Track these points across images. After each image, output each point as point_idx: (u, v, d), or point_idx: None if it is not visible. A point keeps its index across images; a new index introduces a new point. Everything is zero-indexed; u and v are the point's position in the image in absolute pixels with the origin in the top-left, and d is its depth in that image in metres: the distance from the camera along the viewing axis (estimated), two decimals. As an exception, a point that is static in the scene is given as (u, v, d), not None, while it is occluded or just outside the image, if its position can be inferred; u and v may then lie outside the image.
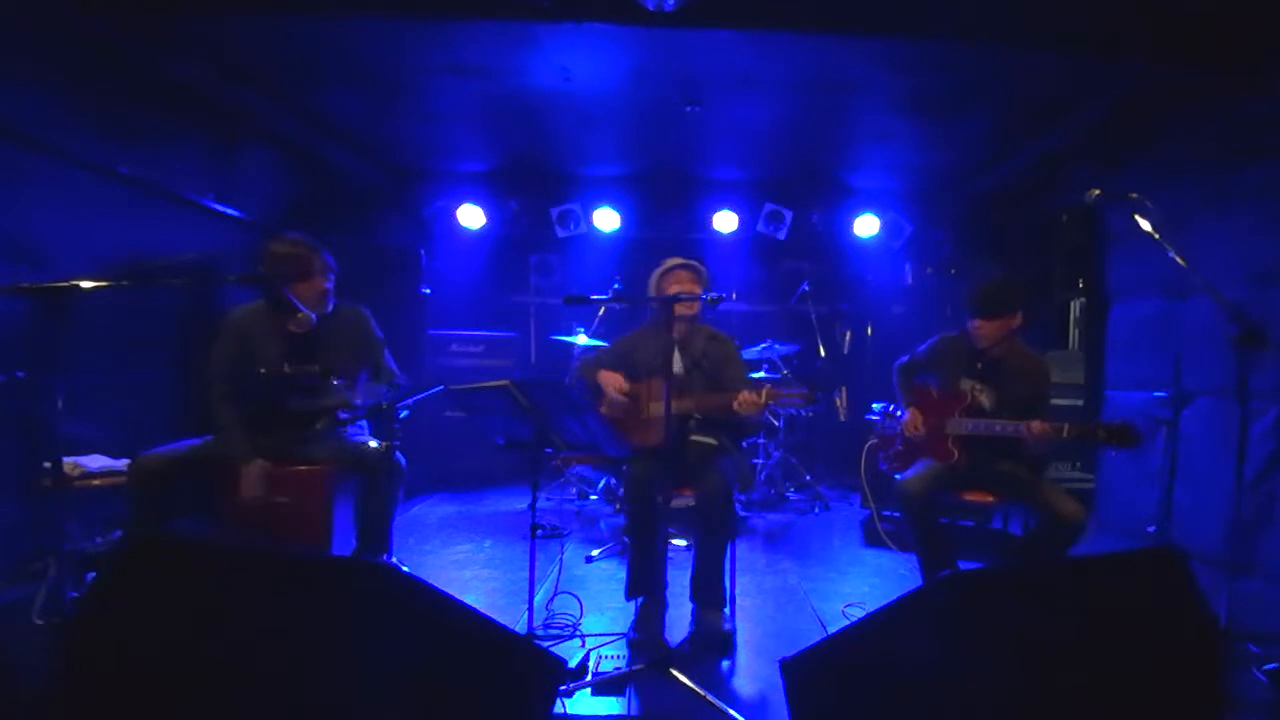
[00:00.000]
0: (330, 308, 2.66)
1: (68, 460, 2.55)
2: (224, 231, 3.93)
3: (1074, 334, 4.55)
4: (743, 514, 4.31)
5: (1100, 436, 2.40)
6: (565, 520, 4.11)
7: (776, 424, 4.72)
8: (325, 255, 2.62)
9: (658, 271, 2.78)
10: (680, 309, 2.65)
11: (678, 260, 2.75)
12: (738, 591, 2.66)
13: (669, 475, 2.37)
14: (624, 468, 2.58)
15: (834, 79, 3.46)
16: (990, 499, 2.74)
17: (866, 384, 5.10)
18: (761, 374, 4.52)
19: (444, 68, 3.41)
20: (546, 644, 2.37)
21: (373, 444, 2.63)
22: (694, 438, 2.71)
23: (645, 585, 2.49)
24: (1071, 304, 4.56)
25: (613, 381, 2.72)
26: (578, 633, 2.50)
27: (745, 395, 2.42)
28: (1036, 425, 2.48)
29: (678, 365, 2.77)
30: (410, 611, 1.33)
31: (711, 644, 2.42)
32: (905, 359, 3.04)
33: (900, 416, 2.92)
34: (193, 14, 2.95)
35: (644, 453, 2.56)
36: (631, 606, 2.56)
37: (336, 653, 1.27)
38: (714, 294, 2.64)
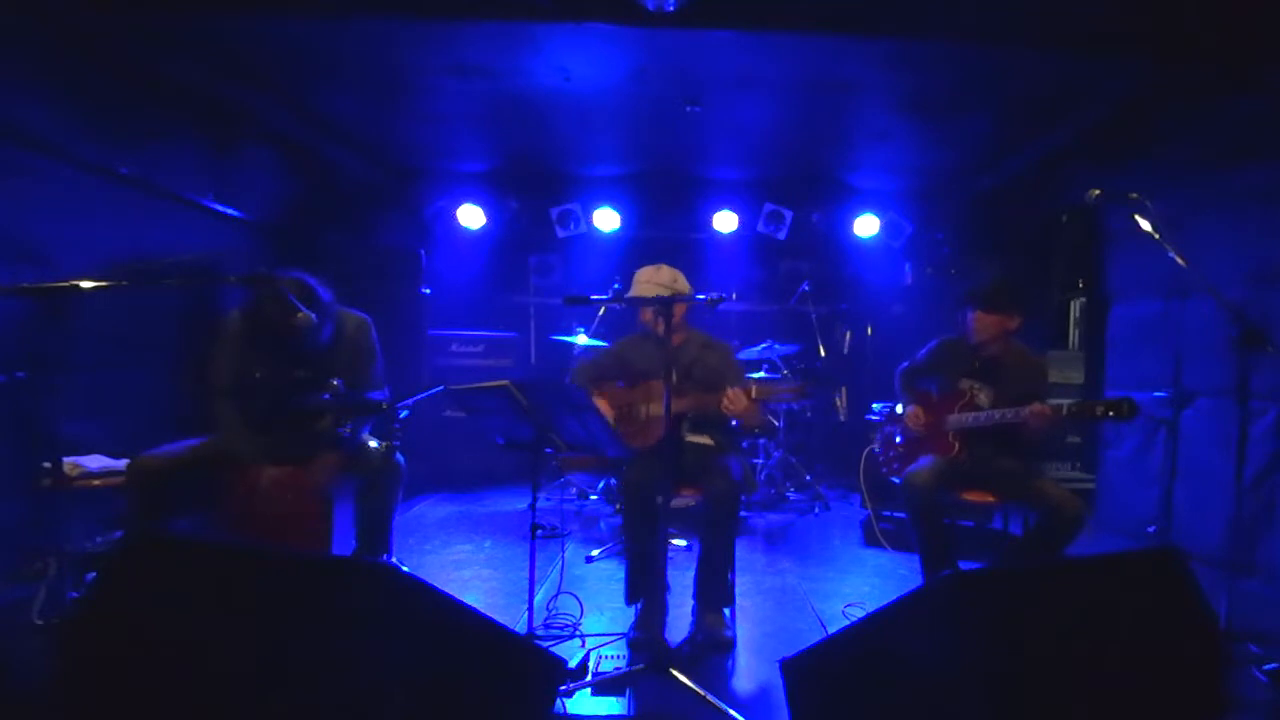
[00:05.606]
0: (334, 311, 2.65)
1: (68, 460, 2.54)
2: (224, 231, 3.93)
3: (1074, 334, 4.56)
4: (743, 514, 4.30)
5: (1099, 411, 2.40)
6: (565, 520, 4.10)
7: (776, 424, 4.72)
8: (320, 291, 2.52)
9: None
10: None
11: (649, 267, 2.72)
12: (738, 592, 2.66)
13: (667, 477, 2.36)
14: (621, 470, 2.58)
15: (834, 79, 3.46)
16: (990, 498, 2.75)
17: (866, 384, 5.10)
18: (761, 374, 4.52)
19: (444, 68, 3.41)
20: (546, 644, 2.37)
21: (373, 444, 2.63)
22: (689, 439, 2.71)
23: (644, 589, 2.49)
24: (1071, 304, 4.57)
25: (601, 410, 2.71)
26: (578, 633, 2.50)
27: (732, 393, 2.42)
28: (1036, 407, 2.50)
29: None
30: (410, 611, 1.33)
31: (712, 647, 2.42)
32: (906, 364, 3.05)
33: (903, 414, 2.94)
34: (192, 14, 2.95)
35: (641, 454, 2.56)
36: (632, 608, 2.56)
37: (336, 653, 1.27)
38: (713, 294, 2.65)
